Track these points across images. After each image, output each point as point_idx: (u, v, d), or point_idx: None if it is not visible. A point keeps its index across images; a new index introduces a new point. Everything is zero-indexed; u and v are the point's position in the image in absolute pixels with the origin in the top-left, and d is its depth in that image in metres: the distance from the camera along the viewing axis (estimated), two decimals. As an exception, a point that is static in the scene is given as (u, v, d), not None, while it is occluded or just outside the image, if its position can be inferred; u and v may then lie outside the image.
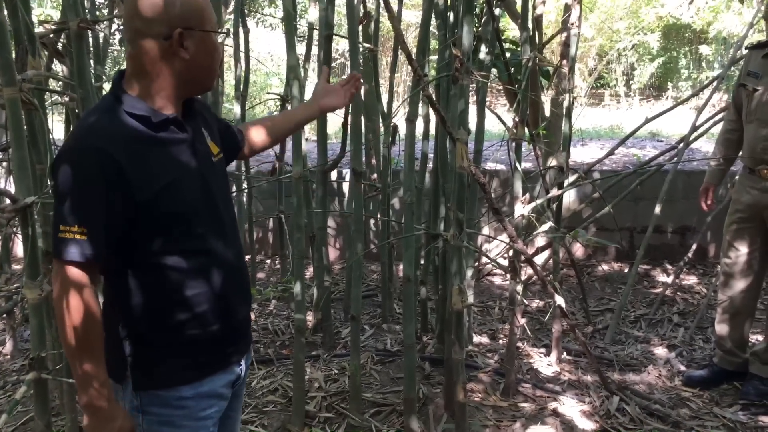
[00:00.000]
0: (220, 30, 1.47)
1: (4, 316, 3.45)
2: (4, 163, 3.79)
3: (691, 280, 4.58)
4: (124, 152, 1.31)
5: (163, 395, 1.43)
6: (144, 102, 1.38)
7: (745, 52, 3.29)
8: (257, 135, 1.81)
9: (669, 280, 4.42)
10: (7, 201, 2.00)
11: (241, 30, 4.04)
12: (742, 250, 3.00)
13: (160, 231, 1.38)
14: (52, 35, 2.56)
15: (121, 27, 7.10)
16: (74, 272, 1.30)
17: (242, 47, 4.09)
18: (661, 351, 3.50)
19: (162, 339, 1.42)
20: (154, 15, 1.33)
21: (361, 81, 2.09)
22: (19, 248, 4.83)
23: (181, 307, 1.41)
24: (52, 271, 1.32)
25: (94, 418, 1.35)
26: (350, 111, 3.14)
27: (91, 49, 3.14)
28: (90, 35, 3.00)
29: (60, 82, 3.40)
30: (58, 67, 3.23)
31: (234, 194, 3.87)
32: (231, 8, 4.56)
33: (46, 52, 2.67)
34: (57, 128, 3.77)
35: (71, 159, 1.30)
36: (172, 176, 1.38)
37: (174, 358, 1.44)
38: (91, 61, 3.09)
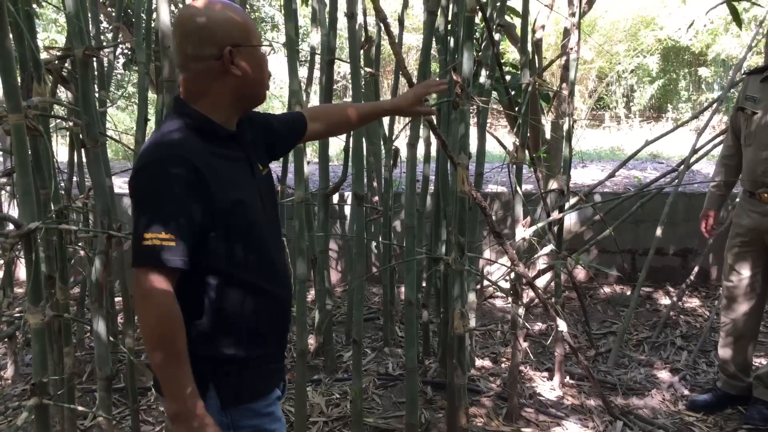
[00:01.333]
0: (265, 43, 1.50)
1: (6, 340, 3.44)
2: (8, 188, 3.80)
3: (693, 302, 4.57)
4: (203, 162, 1.36)
5: (254, 407, 1.46)
6: (209, 118, 1.43)
7: (742, 76, 3.31)
8: (323, 121, 1.82)
9: (671, 302, 4.41)
10: (11, 226, 2.01)
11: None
12: (744, 273, 2.99)
13: (228, 242, 1.41)
14: (57, 61, 2.59)
15: (125, 52, 7.17)
16: (162, 279, 1.30)
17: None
18: (664, 375, 3.48)
19: (238, 352, 1.44)
20: (203, 38, 1.39)
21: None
22: (21, 272, 4.84)
23: (245, 319, 1.45)
24: (136, 279, 1.31)
25: (186, 426, 1.34)
26: (351, 134, 3.16)
27: (96, 74, 3.18)
28: (95, 61, 3.03)
29: (64, 108, 3.43)
30: (62, 91, 3.26)
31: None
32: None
33: (51, 78, 2.70)
34: (61, 152, 3.79)
35: (156, 168, 1.33)
36: (240, 191, 1.43)
37: (252, 369, 1.47)
38: (96, 86, 3.12)
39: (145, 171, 1.34)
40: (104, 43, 3.63)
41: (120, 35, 3.46)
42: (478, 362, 3.62)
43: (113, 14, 3.75)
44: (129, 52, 6.60)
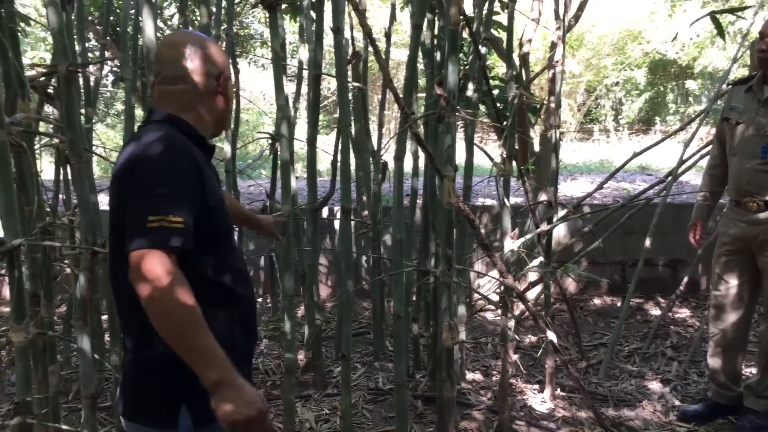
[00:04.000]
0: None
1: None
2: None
3: (683, 312, 4.58)
4: (200, 160, 1.42)
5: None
6: (197, 128, 1.52)
7: (727, 87, 3.34)
8: None
9: (661, 313, 4.41)
10: (-6, 243, 1.99)
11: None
12: (732, 282, 3.00)
13: (213, 241, 1.44)
14: (42, 78, 2.59)
15: (115, 69, 7.17)
16: (169, 260, 1.27)
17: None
18: (655, 386, 3.48)
19: None
20: (210, 58, 1.53)
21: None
22: (7, 290, 4.80)
23: (227, 322, 1.45)
24: (140, 262, 1.26)
25: (231, 391, 1.28)
26: (339, 149, 3.16)
27: (82, 91, 3.17)
28: (81, 78, 3.03)
29: (51, 125, 3.42)
30: (49, 109, 3.25)
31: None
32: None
33: (36, 95, 2.69)
34: (47, 170, 3.78)
35: (162, 153, 1.35)
36: (220, 198, 1.48)
37: None
38: (83, 103, 3.12)
39: (151, 155, 1.34)
40: (91, 60, 3.63)
41: (108, 52, 3.46)
42: (469, 375, 3.60)
43: (101, 31, 3.75)
44: (119, 70, 6.60)
